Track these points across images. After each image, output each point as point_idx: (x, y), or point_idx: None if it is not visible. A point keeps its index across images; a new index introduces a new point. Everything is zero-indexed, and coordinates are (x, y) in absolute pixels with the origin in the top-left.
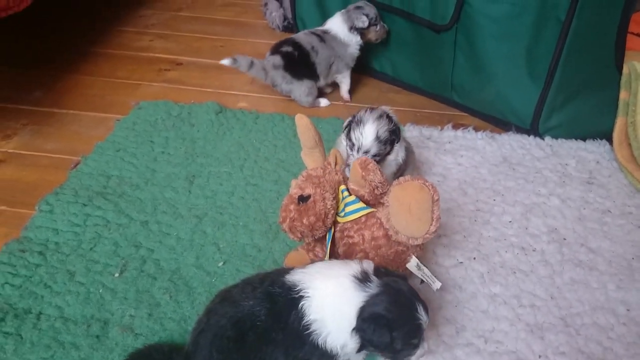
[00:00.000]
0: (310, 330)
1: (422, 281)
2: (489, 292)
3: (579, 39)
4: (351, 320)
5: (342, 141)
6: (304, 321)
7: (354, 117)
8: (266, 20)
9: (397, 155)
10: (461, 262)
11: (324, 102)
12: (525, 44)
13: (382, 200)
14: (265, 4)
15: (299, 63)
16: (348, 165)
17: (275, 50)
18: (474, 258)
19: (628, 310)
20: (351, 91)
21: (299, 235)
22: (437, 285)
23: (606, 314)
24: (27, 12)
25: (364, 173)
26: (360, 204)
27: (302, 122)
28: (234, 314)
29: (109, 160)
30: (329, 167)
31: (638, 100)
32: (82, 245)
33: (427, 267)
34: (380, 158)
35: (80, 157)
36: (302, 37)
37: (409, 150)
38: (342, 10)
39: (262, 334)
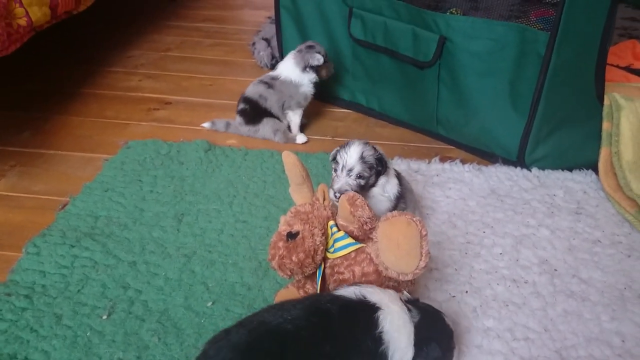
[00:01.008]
0: (382, 342)
1: None
2: (483, 326)
3: (560, 72)
4: (411, 343)
5: None
6: (376, 332)
7: (340, 147)
8: (254, 59)
9: (383, 189)
10: (454, 296)
11: (300, 138)
12: (507, 78)
13: (371, 236)
14: (253, 44)
15: (253, 113)
16: (332, 189)
17: (236, 110)
18: (466, 291)
19: (623, 341)
20: (338, 126)
21: (289, 273)
22: None
23: (601, 346)
24: (16, 55)
25: (352, 209)
26: (350, 240)
27: (289, 159)
28: (274, 326)
29: (97, 201)
30: (317, 202)
31: (620, 130)
32: (69, 288)
33: None
34: (364, 182)
35: (69, 198)
36: (250, 89)
37: (407, 189)
38: (293, 52)
39: (307, 347)
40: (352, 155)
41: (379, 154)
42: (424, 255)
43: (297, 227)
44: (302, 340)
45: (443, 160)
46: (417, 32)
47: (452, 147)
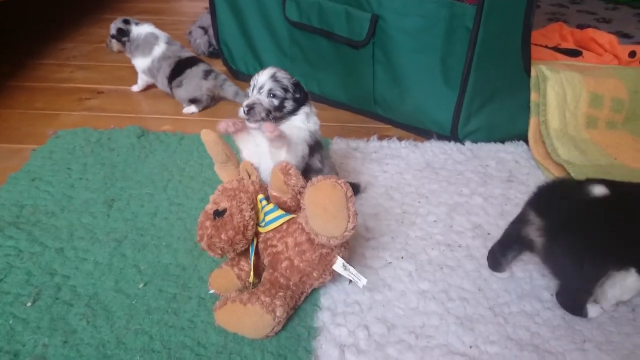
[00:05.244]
0: None
1: (350, 281)
2: (418, 288)
3: (488, 45)
4: None
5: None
6: None
7: None
8: (191, 47)
9: (307, 118)
10: (390, 262)
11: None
12: (438, 54)
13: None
14: (190, 32)
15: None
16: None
17: None
18: (402, 257)
19: (552, 295)
20: None
21: (219, 252)
22: (363, 282)
23: (532, 301)
24: None
25: (285, 178)
26: (280, 212)
27: (208, 137)
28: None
29: (23, 190)
30: (244, 179)
31: (547, 100)
32: None
33: (353, 267)
34: (278, 103)
35: None
36: None
37: (322, 148)
38: None
39: None
40: (263, 76)
41: (297, 80)
42: (351, 216)
43: (223, 205)
44: None
45: (381, 138)
46: (350, 11)
47: (389, 126)
